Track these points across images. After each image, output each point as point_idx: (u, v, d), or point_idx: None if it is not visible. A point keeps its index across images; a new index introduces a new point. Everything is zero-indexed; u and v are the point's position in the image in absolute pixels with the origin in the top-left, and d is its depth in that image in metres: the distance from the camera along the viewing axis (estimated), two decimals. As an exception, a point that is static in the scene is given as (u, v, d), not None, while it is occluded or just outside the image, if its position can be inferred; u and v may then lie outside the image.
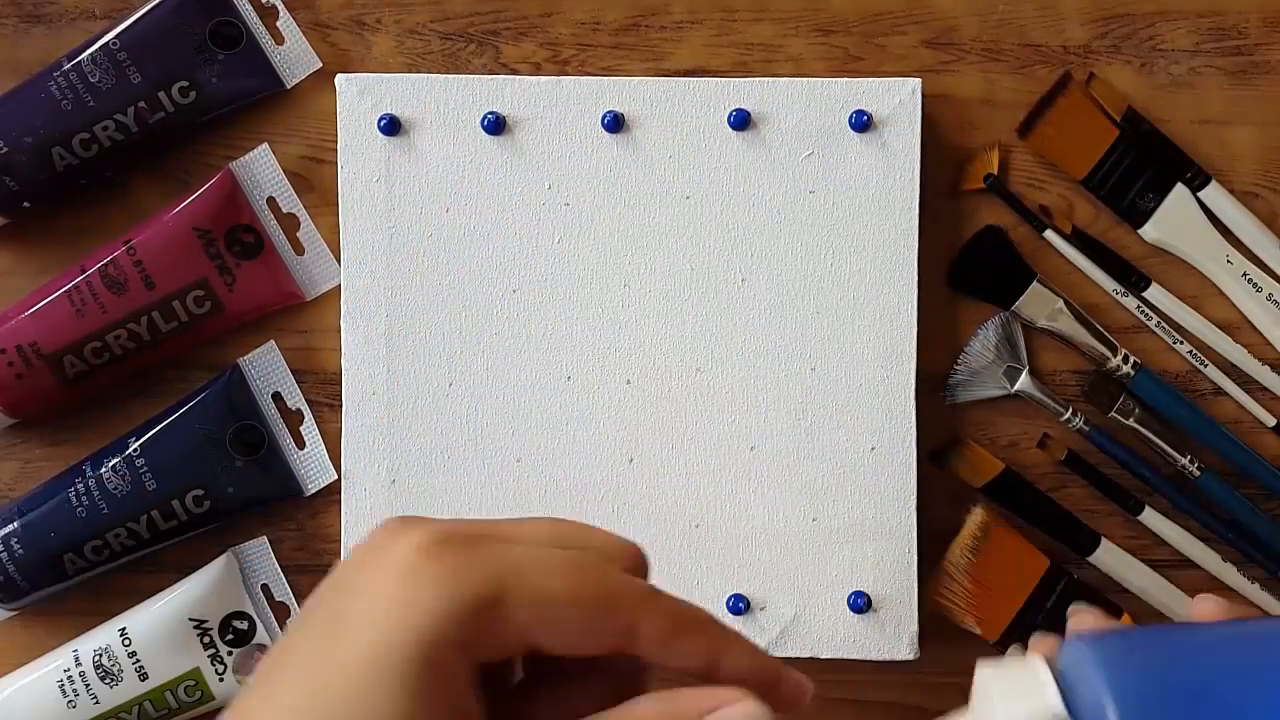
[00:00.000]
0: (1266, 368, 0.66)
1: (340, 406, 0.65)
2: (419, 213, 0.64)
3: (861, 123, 0.63)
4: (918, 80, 0.64)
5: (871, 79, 0.64)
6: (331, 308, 0.65)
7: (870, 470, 0.64)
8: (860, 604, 0.64)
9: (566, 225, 0.64)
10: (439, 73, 0.66)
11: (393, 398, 0.65)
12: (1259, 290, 0.65)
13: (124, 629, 0.64)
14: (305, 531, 0.67)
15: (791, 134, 0.64)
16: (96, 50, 0.63)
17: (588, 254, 0.64)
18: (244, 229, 0.64)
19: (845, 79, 0.64)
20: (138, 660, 0.63)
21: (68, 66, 0.63)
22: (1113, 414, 0.65)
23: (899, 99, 0.64)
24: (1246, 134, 0.66)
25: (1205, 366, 0.66)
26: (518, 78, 0.65)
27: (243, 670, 0.64)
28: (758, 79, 0.64)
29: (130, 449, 0.64)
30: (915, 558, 0.64)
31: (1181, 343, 0.66)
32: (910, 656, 0.64)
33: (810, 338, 0.64)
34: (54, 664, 0.64)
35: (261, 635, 0.65)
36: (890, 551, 0.64)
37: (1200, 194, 0.66)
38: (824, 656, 0.64)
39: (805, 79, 0.64)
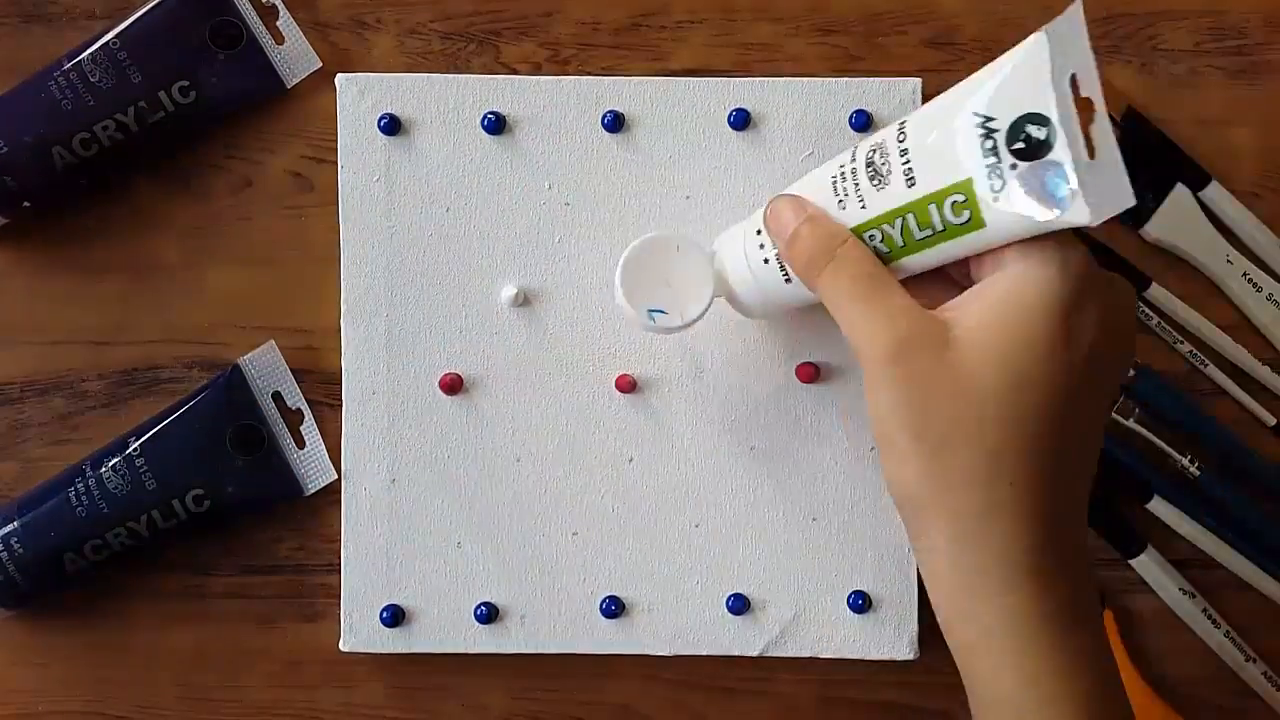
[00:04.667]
0: (1266, 368, 0.66)
1: (340, 406, 0.65)
2: (419, 213, 0.64)
3: (861, 123, 0.63)
4: (918, 80, 0.64)
5: (871, 79, 0.64)
6: (332, 309, 0.65)
7: (870, 470, 0.64)
8: (860, 604, 0.64)
9: (566, 225, 0.64)
10: (439, 73, 0.66)
11: (393, 398, 0.65)
12: (1259, 290, 0.65)
13: (904, 123, 0.51)
14: (305, 531, 0.67)
15: (791, 134, 0.64)
16: (97, 50, 0.63)
17: (588, 254, 0.64)
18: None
19: (845, 79, 0.64)
20: (907, 160, 0.50)
21: (68, 66, 0.63)
22: (1113, 414, 0.65)
23: (899, 99, 0.64)
24: (1246, 134, 0.66)
25: (1205, 366, 0.66)
26: (518, 78, 0.65)
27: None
28: (758, 79, 0.64)
29: (130, 448, 0.64)
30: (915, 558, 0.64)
31: (1181, 343, 0.66)
32: (910, 656, 0.64)
33: (810, 338, 0.64)
34: (834, 162, 0.53)
35: (1059, 149, 0.46)
36: (890, 551, 0.64)
37: (1200, 194, 0.66)
38: (824, 656, 0.64)
39: (805, 79, 0.64)
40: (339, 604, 0.65)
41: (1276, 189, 0.66)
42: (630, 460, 0.65)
